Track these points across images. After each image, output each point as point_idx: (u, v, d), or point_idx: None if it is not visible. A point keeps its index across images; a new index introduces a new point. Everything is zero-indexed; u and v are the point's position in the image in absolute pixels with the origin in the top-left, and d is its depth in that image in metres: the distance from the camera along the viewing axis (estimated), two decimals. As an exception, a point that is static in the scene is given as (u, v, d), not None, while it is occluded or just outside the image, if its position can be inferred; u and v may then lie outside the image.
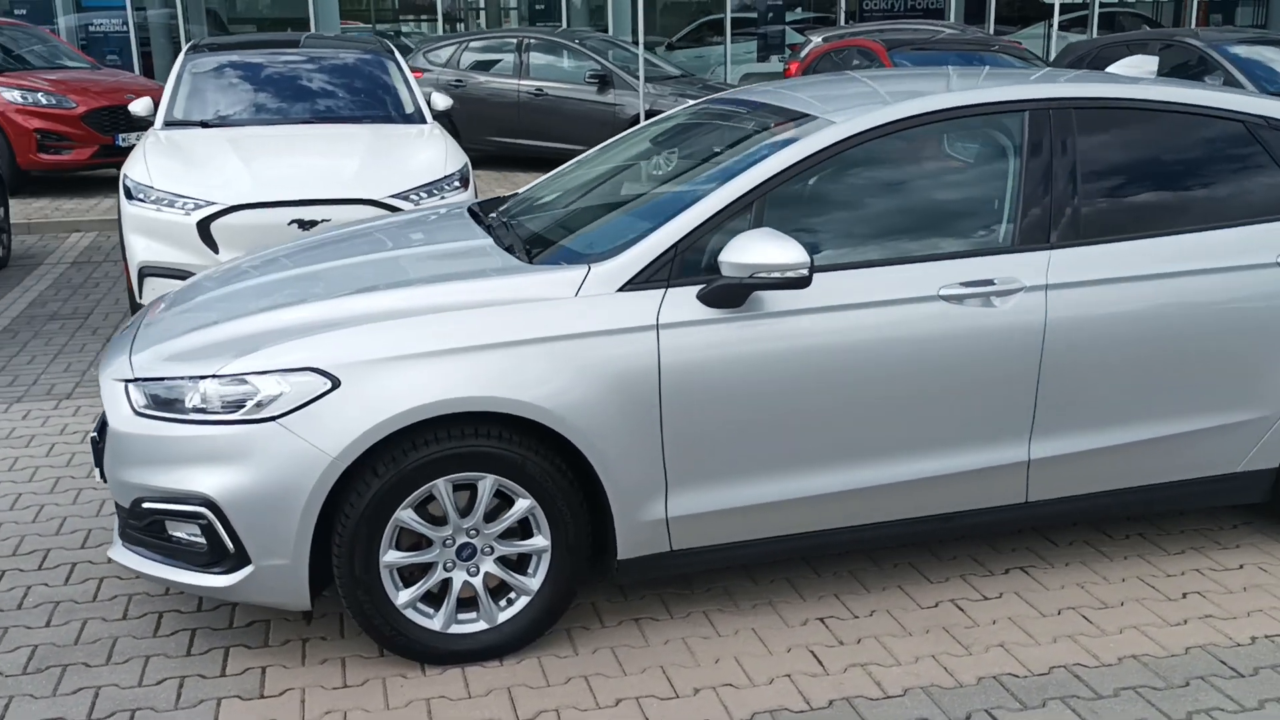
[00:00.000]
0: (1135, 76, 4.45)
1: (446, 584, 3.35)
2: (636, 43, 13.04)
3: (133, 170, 6.62)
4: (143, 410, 3.28)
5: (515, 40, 13.24)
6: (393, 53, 8.40)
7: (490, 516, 3.33)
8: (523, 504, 3.31)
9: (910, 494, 3.60)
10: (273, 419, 3.13)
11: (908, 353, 3.47)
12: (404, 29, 20.63)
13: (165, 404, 3.25)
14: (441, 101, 8.15)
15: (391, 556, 3.26)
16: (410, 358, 3.18)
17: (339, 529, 3.20)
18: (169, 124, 7.49)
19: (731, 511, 3.46)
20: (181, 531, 3.26)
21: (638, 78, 12.48)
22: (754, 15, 19.82)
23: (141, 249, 6.34)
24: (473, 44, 13.41)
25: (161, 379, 3.28)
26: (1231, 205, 3.83)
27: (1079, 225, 3.67)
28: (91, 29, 17.00)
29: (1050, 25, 18.44)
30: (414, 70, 13.29)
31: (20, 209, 11.05)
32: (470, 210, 4.33)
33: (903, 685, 3.25)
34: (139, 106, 7.68)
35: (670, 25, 21.16)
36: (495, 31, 14.97)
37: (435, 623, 3.34)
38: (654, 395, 3.31)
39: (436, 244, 3.90)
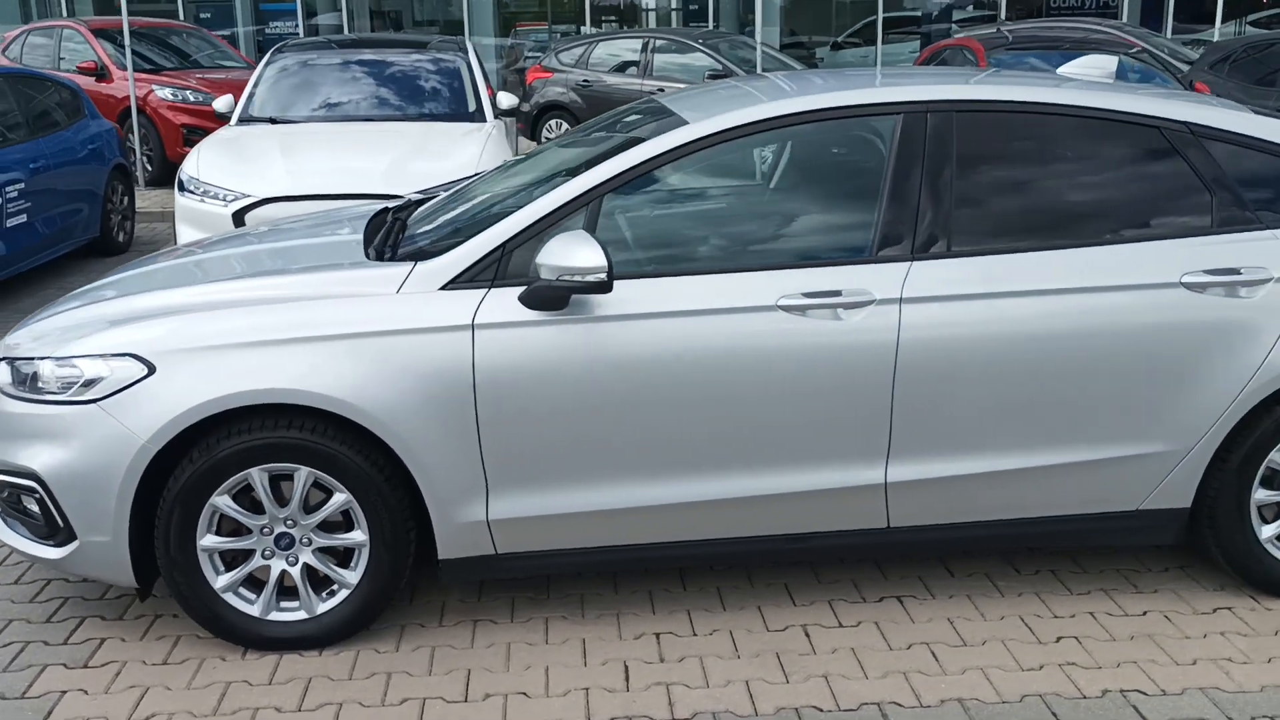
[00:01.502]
0: (1086, 78, 4.13)
1: (260, 573, 3.42)
2: (779, 43, 12.90)
3: (187, 165, 7.01)
4: (4, 386, 3.47)
5: (641, 41, 13.30)
6: (466, 52, 8.58)
7: (314, 509, 3.38)
8: (339, 498, 3.35)
9: (755, 511, 3.45)
10: (94, 401, 3.27)
11: (742, 363, 3.33)
12: (583, 29, 21.01)
13: (23, 381, 3.44)
14: (506, 100, 8.28)
15: (209, 541, 3.35)
16: (224, 348, 3.27)
17: (159, 511, 3.32)
18: (243, 120, 7.88)
19: (560, 518, 3.41)
20: (30, 504, 3.45)
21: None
22: (918, 14, 19.27)
23: (186, 237, 6.71)
24: (601, 44, 13.54)
25: (22, 359, 3.47)
26: (1138, 219, 3.51)
27: (950, 236, 3.44)
28: (268, 32, 18.03)
29: (1217, 23, 17.17)
30: (545, 70, 13.56)
31: (164, 198, 11.83)
32: (382, 209, 4.39)
33: (694, 709, 3.13)
34: (221, 104, 8.13)
35: (846, 25, 20.80)
36: (623, 32, 15.08)
37: (255, 609, 3.42)
38: (469, 396, 3.29)
39: (315, 239, 3.98)
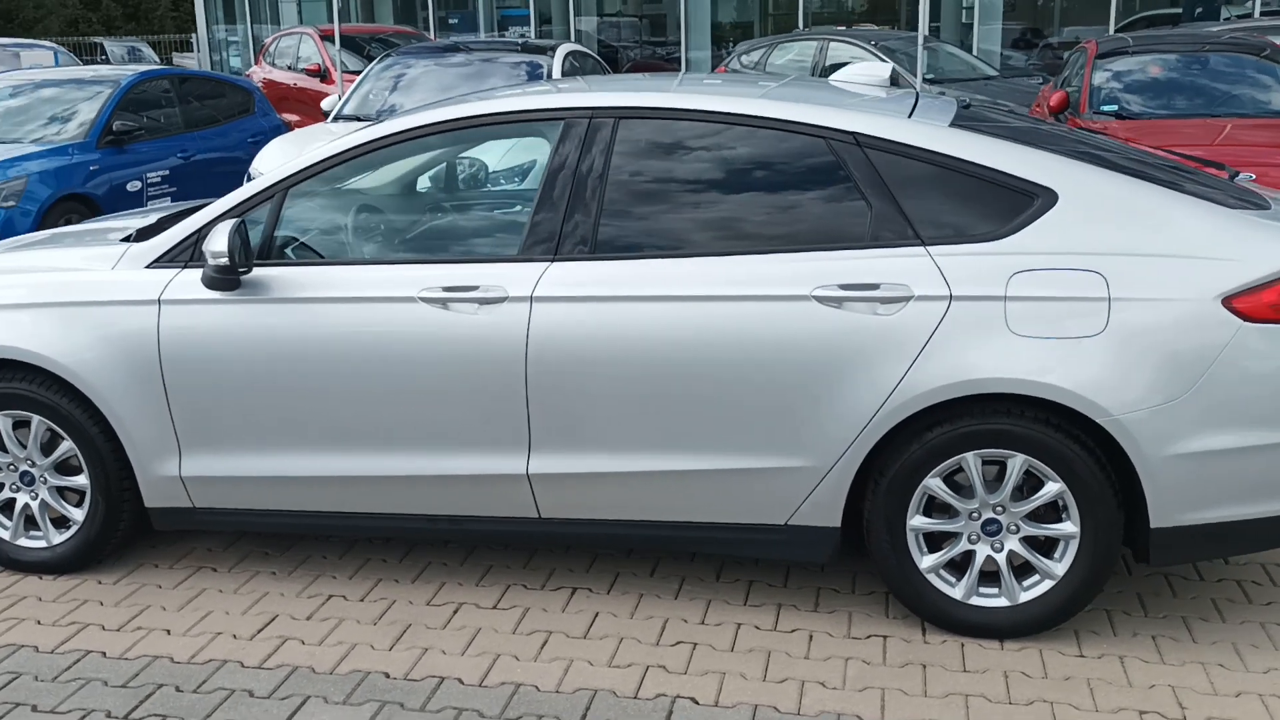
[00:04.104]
0: (851, 86, 4.04)
1: (12, 503, 3.99)
2: (999, 44, 12.49)
3: (256, 159, 7.86)
4: None
5: (818, 43, 13.24)
6: (552, 56, 8.98)
7: (50, 453, 3.92)
8: (65, 445, 3.87)
9: (412, 490, 3.67)
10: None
11: (388, 349, 3.56)
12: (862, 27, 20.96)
13: None
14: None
15: (-38, 475, 3.97)
16: (-30, 309, 3.86)
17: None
18: (336, 119, 8.67)
19: (244, 480, 3.77)
20: None
21: (926, 79, 12.04)
22: (1178, 11, 17.87)
23: (244, 222, 7.54)
24: (780, 46, 13.58)
25: None
26: (791, 229, 3.44)
27: (594, 240, 3.52)
28: (505, 36, 19.20)
29: None
30: (728, 72, 13.78)
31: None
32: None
33: (282, 660, 3.42)
34: (326, 103, 8.96)
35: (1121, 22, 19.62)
36: (801, 34, 14.96)
37: (6, 534, 4.00)
38: (155, 363, 3.72)
39: (129, 222, 4.52)
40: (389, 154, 3.74)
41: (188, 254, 3.76)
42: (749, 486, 3.47)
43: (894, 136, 3.44)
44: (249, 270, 3.62)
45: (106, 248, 3.91)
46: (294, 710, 3.16)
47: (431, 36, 18.18)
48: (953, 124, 3.53)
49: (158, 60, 29.79)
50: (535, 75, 8.74)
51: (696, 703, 3.17)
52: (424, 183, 3.96)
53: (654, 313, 3.42)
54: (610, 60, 19.68)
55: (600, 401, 3.48)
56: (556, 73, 8.79)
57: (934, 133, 3.45)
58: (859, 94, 3.89)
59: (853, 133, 3.46)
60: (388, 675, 3.33)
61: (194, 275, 3.72)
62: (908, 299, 3.30)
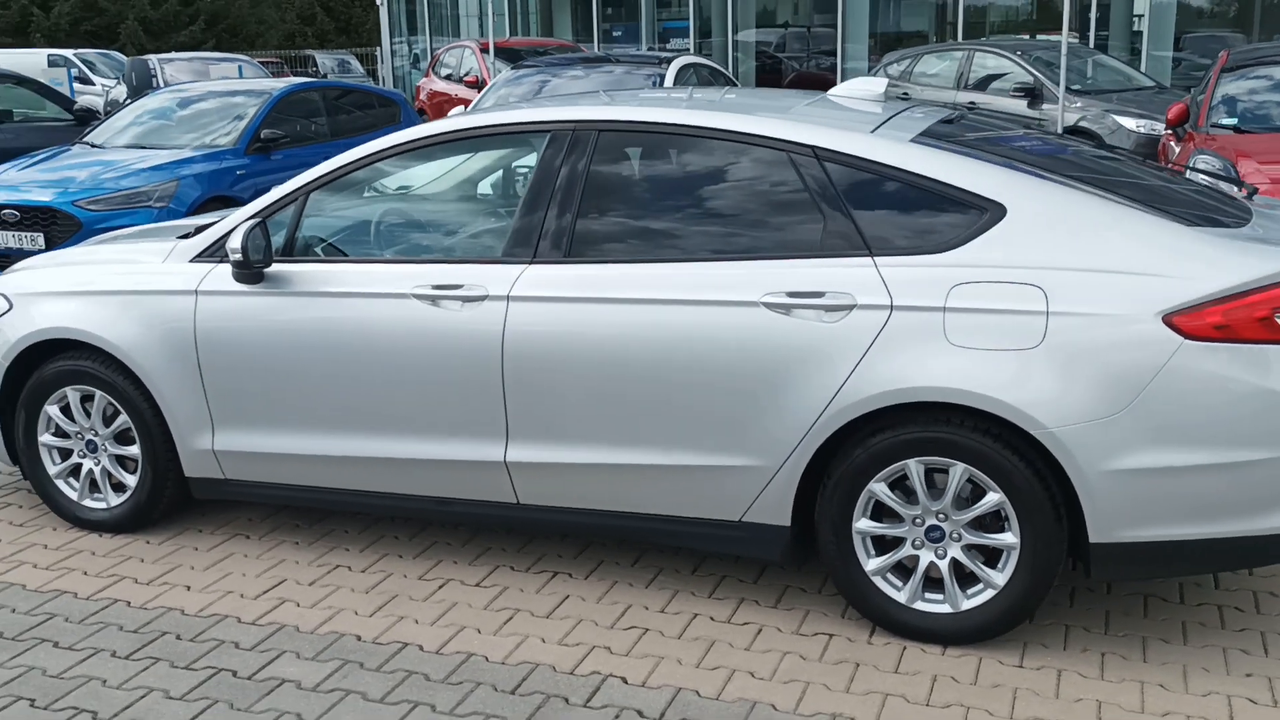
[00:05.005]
0: (846, 101, 4.15)
1: (79, 468, 4.50)
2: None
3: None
4: None
5: (963, 53, 13.06)
6: (668, 66, 9.24)
7: (109, 424, 4.40)
8: (122, 418, 4.35)
9: (408, 471, 3.97)
10: (-12, 327, 4.51)
11: (384, 341, 3.88)
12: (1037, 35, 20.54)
13: None
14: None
15: (45, 438, 4.49)
16: (46, 295, 4.38)
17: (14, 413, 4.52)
18: (460, 127, 9.14)
19: (263, 455, 4.15)
20: None
21: (1072, 89, 11.78)
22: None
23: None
24: (926, 56, 13.46)
25: None
26: (749, 238, 3.59)
27: (569, 244, 3.74)
28: (667, 49, 19.54)
29: None
30: (873, 83, 13.76)
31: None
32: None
33: (200, 605, 3.77)
34: (454, 113, 9.46)
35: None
36: (947, 44, 14.70)
37: (74, 495, 4.51)
38: (191, 346, 4.14)
39: (194, 221, 4.99)
40: (398, 162, 4.07)
41: (223, 250, 4.17)
42: (705, 482, 3.63)
43: (850, 150, 3.54)
44: (268, 265, 3.99)
45: (163, 243, 4.37)
46: (267, 662, 3.51)
47: (595, 48, 18.70)
48: (916, 138, 3.61)
49: (363, 71, 31.45)
50: (648, 80, 9.02)
51: (625, 682, 3.35)
52: (429, 188, 4.28)
53: (618, 314, 3.62)
54: (774, 72, 19.82)
55: (569, 396, 3.70)
56: (670, 82, 9.05)
57: (891, 147, 3.54)
58: (838, 107, 4.00)
59: (811, 145, 3.58)
60: (359, 638, 3.64)
61: (227, 269, 4.13)
62: (851, 307, 3.40)
